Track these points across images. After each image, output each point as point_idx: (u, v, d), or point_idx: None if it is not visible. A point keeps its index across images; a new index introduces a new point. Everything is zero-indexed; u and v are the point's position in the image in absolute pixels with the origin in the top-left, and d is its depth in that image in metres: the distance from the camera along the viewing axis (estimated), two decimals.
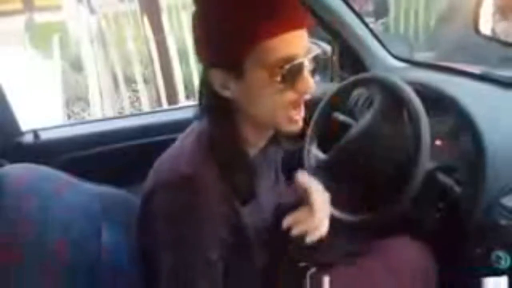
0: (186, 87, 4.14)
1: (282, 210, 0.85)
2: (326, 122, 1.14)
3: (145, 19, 3.82)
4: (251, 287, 0.81)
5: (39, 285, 0.72)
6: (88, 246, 0.79)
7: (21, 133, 1.31)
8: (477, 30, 1.10)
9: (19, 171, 0.80)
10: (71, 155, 1.30)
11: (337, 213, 0.99)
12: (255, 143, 0.77)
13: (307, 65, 0.68)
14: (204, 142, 0.71)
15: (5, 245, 0.71)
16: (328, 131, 1.13)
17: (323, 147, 1.10)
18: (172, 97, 4.06)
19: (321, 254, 0.99)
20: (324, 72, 1.49)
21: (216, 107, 0.72)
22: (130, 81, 4.41)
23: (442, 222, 0.97)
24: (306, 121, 1.07)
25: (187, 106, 1.89)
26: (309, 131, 1.12)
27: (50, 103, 4.44)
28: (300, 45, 0.66)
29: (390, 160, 0.97)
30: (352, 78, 1.11)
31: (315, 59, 0.72)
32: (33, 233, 0.74)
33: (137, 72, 3.93)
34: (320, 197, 0.79)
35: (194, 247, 0.67)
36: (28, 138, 1.30)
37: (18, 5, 11.14)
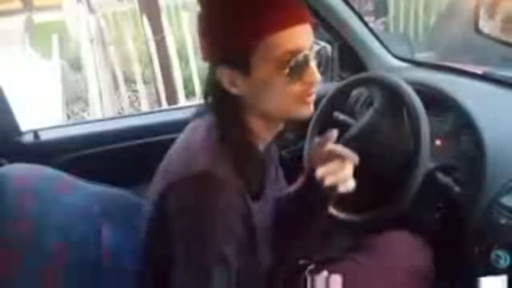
0: (185, 87, 4.14)
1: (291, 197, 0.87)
2: (326, 122, 1.14)
3: (145, 19, 3.81)
4: (255, 285, 0.81)
5: (39, 286, 0.72)
6: (88, 248, 0.79)
7: (21, 133, 1.31)
8: (477, 30, 1.10)
9: (19, 171, 0.80)
10: (70, 155, 1.29)
11: (337, 213, 0.99)
12: (264, 137, 0.78)
13: (312, 58, 0.69)
14: (214, 139, 0.71)
15: (4, 244, 0.71)
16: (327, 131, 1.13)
17: None
18: (171, 97, 4.05)
19: (320, 251, 0.99)
20: (324, 72, 1.49)
21: (224, 105, 0.73)
22: (129, 81, 4.40)
23: (442, 221, 0.97)
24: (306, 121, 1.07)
25: (186, 106, 1.89)
26: (309, 131, 1.12)
27: (49, 103, 4.44)
28: (305, 38, 0.68)
29: (390, 160, 0.97)
30: (352, 78, 1.11)
31: (317, 57, 0.73)
32: (32, 233, 0.74)
33: (137, 72, 3.93)
34: (350, 154, 0.77)
35: (210, 242, 0.67)
36: (28, 138, 1.30)
37: (18, 5, 11.13)
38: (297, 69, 0.67)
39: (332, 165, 0.75)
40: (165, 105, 3.97)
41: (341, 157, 0.75)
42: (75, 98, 4.65)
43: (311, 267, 0.92)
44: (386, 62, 1.39)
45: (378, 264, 0.93)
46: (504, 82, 1.09)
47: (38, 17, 9.60)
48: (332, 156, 0.75)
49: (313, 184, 0.77)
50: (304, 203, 0.82)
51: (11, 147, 1.26)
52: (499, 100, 1.07)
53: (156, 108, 3.88)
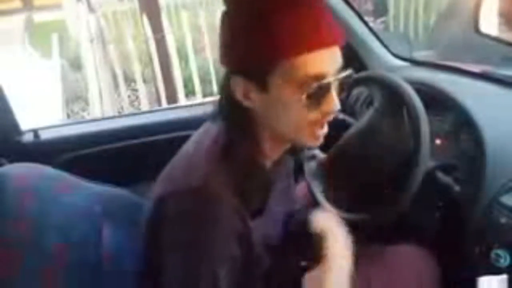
0: (185, 86, 4.14)
1: (295, 224, 0.86)
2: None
3: (145, 18, 3.81)
4: None
5: (39, 286, 0.72)
6: (88, 248, 0.79)
7: (21, 133, 1.31)
8: (477, 30, 1.09)
9: (19, 171, 0.80)
10: (70, 155, 1.30)
11: (337, 213, 0.99)
12: (271, 155, 0.75)
13: (334, 84, 0.65)
14: (219, 151, 0.69)
15: (4, 244, 0.71)
16: (328, 130, 1.12)
17: (323, 147, 1.10)
18: (171, 96, 4.05)
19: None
20: None
21: (235, 116, 0.70)
22: (129, 80, 4.40)
23: (442, 221, 0.97)
24: None
25: (186, 105, 1.89)
26: None
27: (49, 102, 4.44)
28: (330, 63, 0.64)
29: (390, 159, 0.97)
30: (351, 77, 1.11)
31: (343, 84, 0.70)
32: (32, 233, 0.74)
33: (137, 71, 3.93)
34: (337, 247, 0.75)
35: (202, 261, 0.65)
36: (28, 138, 1.30)
37: (18, 4, 11.12)
38: (317, 96, 0.64)
39: (317, 272, 0.73)
40: (165, 104, 3.97)
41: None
42: (75, 98, 4.66)
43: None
44: (386, 61, 1.39)
45: (381, 273, 0.92)
46: (504, 81, 1.08)
47: (38, 16, 9.60)
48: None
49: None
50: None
51: (11, 146, 1.26)
52: (499, 99, 1.07)
53: (156, 107, 3.88)
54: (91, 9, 5.11)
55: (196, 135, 0.77)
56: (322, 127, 0.69)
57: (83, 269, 0.78)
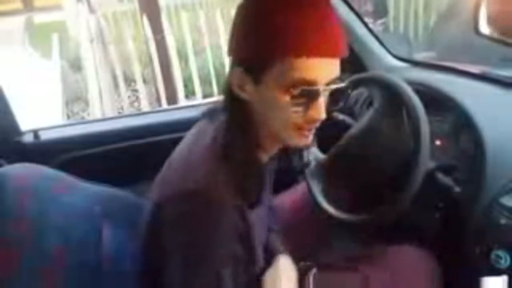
0: (185, 87, 4.14)
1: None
2: (325, 122, 1.13)
3: (145, 19, 3.81)
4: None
5: (38, 286, 0.72)
6: (88, 249, 0.79)
7: (21, 133, 1.31)
8: (477, 30, 1.09)
9: (19, 171, 0.80)
10: (70, 155, 1.30)
11: (337, 213, 0.99)
12: (268, 149, 0.76)
13: (324, 94, 0.66)
14: (219, 148, 0.69)
15: (4, 244, 0.71)
16: (327, 131, 1.13)
17: (322, 147, 1.10)
18: (171, 97, 4.05)
19: (322, 255, 0.99)
20: None
21: (234, 109, 0.71)
22: (129, 80, 4.41)
23: (442, 221, 0.97)
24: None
25: (186, 106, 1.89)
26: None
27: (49, 102, 4.44)
28: (325, 72, 0.65)
29: (390, 160, 0.97)
30: (351, 78, 1.11)
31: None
32: (32, 233, 0.73)
33: (137, 71, 3.93)
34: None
35: (206, 263, 0.65)
36: (28, 138, 1.30)
37: (18, 5, 11.13)
38: (303, 101, 0.65)
39: None
40: (165, 105, 3.97)
41: None
42: (75, 98, 4.66)
43: (314, 271, 0.91)
44: (386, 62, 1.39)
45: (382, 275, 0.92)
46: (504, 82, 1.08)
47: (39, 17, 9.60)
48: None
49: None
50: None
51: (11, 147, 1.26)
52: (498, 100, 1.07)
53: (156, 108, 3.88)
54: (91, 9, 5.12)
55: (189, 136, 0.78)
56: (309, 130, 0.70)
57: (82, 270, 0.78)
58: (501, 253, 0.84)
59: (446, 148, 1.00)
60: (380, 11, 3.90)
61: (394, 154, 0.96)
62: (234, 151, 0.69)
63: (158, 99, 4.10)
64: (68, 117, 4.33)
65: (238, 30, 0.68)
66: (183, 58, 4.25)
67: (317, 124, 0.69)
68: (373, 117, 1.00)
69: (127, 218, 0.87)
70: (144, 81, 4.12)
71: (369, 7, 3.81)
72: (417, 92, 0.93)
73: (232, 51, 0.69)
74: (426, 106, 0.91)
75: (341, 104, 0.72)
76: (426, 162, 0.89)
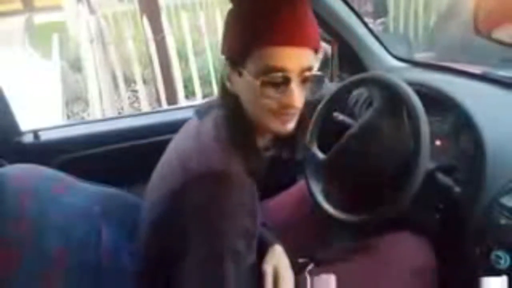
0: (185, 87, 4.14)
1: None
2: (326, 122, 1.14)
3: (145, 19, 3.81)
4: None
5: (38, 286, 0.72)
6: (88, 249, 0.79)
7: (21, 133, 1.31)
8: (476, 31, 1.09)
9: (19, 171, 0.80)
10: (70, 156, 1.30)
11: (337, 213, 0.99)
12: (262, 135, 0.81)
13: (296, 81, 0.71)
14: (224, 133, 0.75)
15: (3, 244, 0.71)
16: (328, 131, 1.13)
17: (322, 147, 1.10)
18: (171, 97, 4.05)
19: (320, 251, 0.99)
20: (324, 72, 1.49)
21: (226, 100, 0.78)
22: (129, 81, 4.41)
23: (442, 222, 0.97)
24: (306, 123, 1.07)
25: (186, 106, 1.89)
26: (308, 131, 1.12)
27: (49, 103, 4.44)
28: (292, 61, 0.70)
29: (390, 160, 0.96)
30: (352, 78, 1.11)
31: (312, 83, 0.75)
32: (32, 234, 0.73)
33: (137, 72, 3.93)
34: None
35: (225, 239, 0.68)
36: (28, 138, 1.30)
37: (18, 5, 11.14)
38: (275, 87, 0.71)
39: None
40: (165, 105, 3.97)
41: None
42: (75, 98, 4.66)
43: (311, 267, 0.92)
44: (386, 62, 1.39)
45: (378, 264, 0.93)
46: (504, 82, 1.08)
47: (39, 18, 9.61)
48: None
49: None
50: None
51: (11, 147, 1.26)
52: (498, 100, 1.07)
53: (156, 108, 3.88)
54: (91, 10, 5.12)
55: (186, 132, 0.82)
56: (286, 116, 0.75)
57: (82, 270, 0.78)
58: (501, 253, 0.84)
59: (446, 148, 1.00)
60: (380, 11, 3.91)
61: (394, 154, 0.96)
62: (236, 138, 0.75)
63: (158, 100, 4.10)
64: (68, 117, 4.34)
65: (225, 30, 0.76)
66: (183, 58, 4.25)
67: (294, 111, 0.74)
68: (373, 117, 1.00)
69: (126, 218, 0.87)
70: (144, 81, 4.12)
71: (369, 7, 3.81)
72: (417, 92, 0.93)
73: (222, 48, 0.77)
74: (426, 106, 0.91)
75: (317, 93, 0.77)
76: (426, 162, 0.89)
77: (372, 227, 1.00)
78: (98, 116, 3.81)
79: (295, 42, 0.70)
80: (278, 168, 0.92)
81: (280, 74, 0.70)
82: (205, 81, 4.30)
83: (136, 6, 4.49)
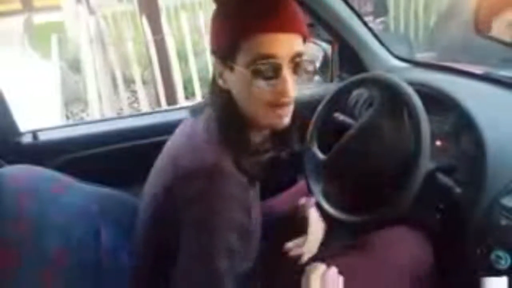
0: (185, 88, 4.14)
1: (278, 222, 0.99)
2: (326, 122, 1.13)
3: (144, 20, 3.81)
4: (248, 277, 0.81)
5: (38, 286, 0.72)
6: (87, 251, 0.79)
7: (20, 134, 1.30)
8: (477, 31, 1.09)
9: (18, 172, 0.80)
10: (69, 156, 1.29)
11: (337, 213, 0.99)
12: (258, 130, 0.80)
13: (288, 68, 0.70)
14: (216, 130, 0.75)
15: (3, 244, 0.71)
16: (328, 131, 1.12)
17: (323, 147, 1.10)
18: (171, 98, 4.05)
19: (319, 250, 0.99)
20: (324, 72, 1.49)
21: (218, 97, 0.77)
22: (129, 81, 4.41)
23: (442, 222, 0.96)
24: (306, 122, 1.07)
25: (186, 106, 1.88)
26: (309, 131, 1.12)
27: (48, 103, 4.44)
28: (282, 47, 0.69)
29: (390, 160, 0.96)
30: (352, 78, 1.11)
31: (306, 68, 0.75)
32: (31, 234, 0.73)
33: (136, 72, 3.93)
34: (317, 228, 0.94)
35: (216, 234, 0.68)
36: (27, 139, 1.30)
37: (17, 5, 11.15)
38: (264, 75, 0.70)
39: (299, 240, 0.94)
40: (164, 106, 3.97)
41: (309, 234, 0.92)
42: (74, 99, 4.66)
43: (310, 266, 0.92)
44: (387, 62, 1.39)
45: (376, 260, 0.93)
46: (505, 82, 1.08)
47: (38, 18, 9.61)
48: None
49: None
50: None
51: (10, 147, 1.25)
52: (499, 100, 1.06)
53: (156, 109, 3.88)
54: (90, 10, 5.12)
55: (182, 130, 0.82)
56: (281, 107, 0.73)
57: (82, 269, 0.78)
58: (501, 253, 0.84)
59: (447, 149, 1.00)
60: (380, 11, 3.91)
61: (394, 154, 0.96)
62: (228, 135, 0.74)
63: (158, 101, 4.10)
64: (67, 118, 4.34)
65: (212, 27, 0.75)
66: (183, 59, 4.25)
67: (288, 100, 0.73)
68: (374, 117, 0.99)
69: (124, 217, 0.87)
70: (144, 82, 4.12)
71: (369, 7, 3.81)
72: (418, 92, 0.93)
73: (211, 46, 0.77)
74: (427, 106, 0.91)
75: (312, 80, 0.78)
76: (426, 163, 0.89)
77: (372, 227, 1.00)
78: (97, 116, 3.81)
79: (283, 28, 0.69)
80: (278, 168, 0.91)
81: (270, 61, 0.69)
82: (205, 82, 4.29)
83: (135, 6, 4.49)
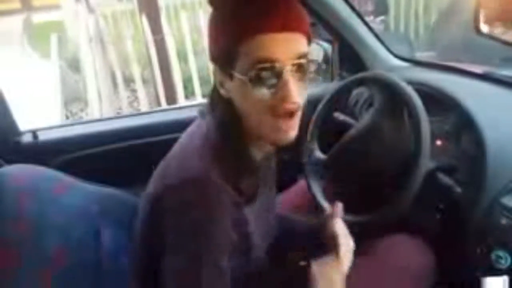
0: (185, 87, 4.14)
1: (294, 229, 0.95)
2: (326, 122, 1.13)
3: (144, 19, 3.81)
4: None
5: (38, 286, 0.72)
6: (87, 250, 0.79)
7: (20, 133, 1.30)
8: (477, 30, 1.09)
9: (18, 171, 0.80)
10: (69, 155, 1.29)
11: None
12: (260, 147, 0.76)
13: (291, 71, 0.65)
14: (211, 142, 0.70)
15: (3, 244, 0.71)
16: (328, 131, 1.12)
17: (323, 147, 1.10)
18: (171, 97, 4.05)
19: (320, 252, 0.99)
20: (325, 72, 1.49)
21: (219, 106, 0.73)
22: (128, 81, 4.40)
23: (443, 222, 0.96)
24: (306, 122, 1.07)
25: (186, 106, 1.88)
26: (309, 131, 1.12)
27: (48, 103, 4.43)
28: (280, 48, 0.64)
29: (390, 160, 0.96)
30: (352, 78, 1.11)
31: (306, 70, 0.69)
32: (31, 234, 0.73)
33: (136, 72, 3.92)
34: (346, 247, 0.82)
35: (204, 252, 0.65)
36: (27, 138, 1.30)
37: (16, 5, 11.13)
38: (264, 80, 0.64)
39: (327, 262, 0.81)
40: (164, 105, 3.96)
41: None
42: (73, 98, 4.66)
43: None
44: (387, 61, 1.39)
45: (376, 265, 0.93)
46: (505, 82, 1.08)
47: (37, 17, 9.60)
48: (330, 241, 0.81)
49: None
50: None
51: (10, 147, 1.25)
52: (500, 100, 1.06)
53: (155, 108, 3.87)
54: (90, 9, 5.11)
55: (187, 132, 0.79)
56: (284, 118, 0.67)
57: (82, 269, 0.78)
58: (501, 253, 0.84)
59: (447, 148, 1.00)
60: (380, 11, 3.90)
61: (394, 154, 0.96)
62: (225, 148, 0.70)
63: (157, 100, 4.10)
64: (67, 117, 4.33)
65: (210, 35, 0.71)
66: (182, 58, 4.24)
67: (293, 107, 0.67)
68: (374, 117, 0.99)
69: (124, 217, 0.87)
70: (143, 81, 4.11)
71: (369, 6, 3.80)
72: (418, 91, 0.93)
73: (209, 53, 0.72)
74: (427, 106, 0.91)
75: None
76: (426, 162, 0.88)
77: (372, 227, 1.00)
78: (97, 116, 3.81)
79: (286, 27, 0.64)
80: (278, 168, 0.91)
81: (271, 64, 0.63)
82: (205, 81, 4.29)
83: (135, 5, 4.49)
